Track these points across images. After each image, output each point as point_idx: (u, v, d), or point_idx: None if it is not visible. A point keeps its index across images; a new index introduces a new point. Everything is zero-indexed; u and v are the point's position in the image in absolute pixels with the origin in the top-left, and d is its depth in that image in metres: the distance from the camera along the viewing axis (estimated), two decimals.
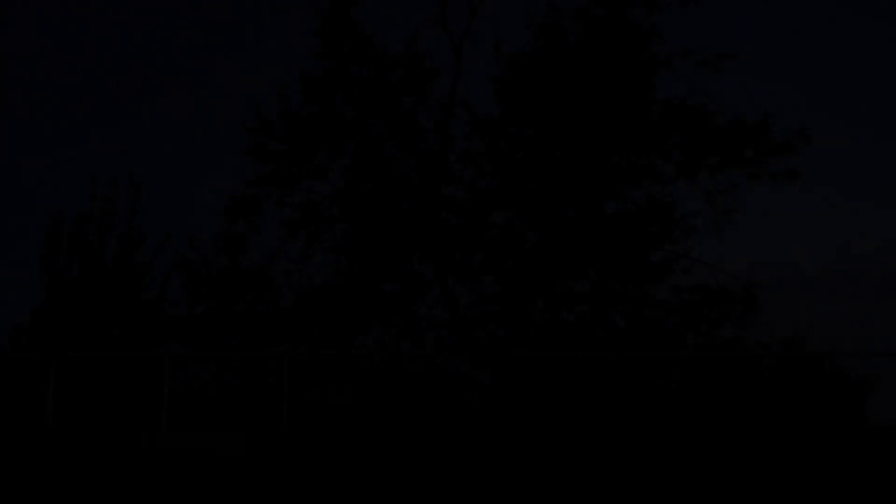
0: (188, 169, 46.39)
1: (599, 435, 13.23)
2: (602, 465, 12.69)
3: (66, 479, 12.42)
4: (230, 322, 21.62)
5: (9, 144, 44.61)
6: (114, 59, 48.72)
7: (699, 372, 17.46)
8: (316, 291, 22.14)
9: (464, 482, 12.27)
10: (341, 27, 21.61)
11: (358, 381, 18.67)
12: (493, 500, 11.36)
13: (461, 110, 22.18)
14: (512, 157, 21.64)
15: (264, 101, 22.23)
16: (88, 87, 48.12)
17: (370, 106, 22.38)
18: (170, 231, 21.63)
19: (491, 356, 20.13)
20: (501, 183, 20.93)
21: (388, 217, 20.97)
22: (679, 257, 21.11)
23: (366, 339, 22.00)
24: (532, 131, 21.66)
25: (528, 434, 14.39)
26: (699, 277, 20.89)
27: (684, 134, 20.77)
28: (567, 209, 20.36)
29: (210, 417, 19.33)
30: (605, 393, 16.37)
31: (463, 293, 21.83)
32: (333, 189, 21.52)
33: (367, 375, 18.95)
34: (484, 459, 13.44)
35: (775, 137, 20.57)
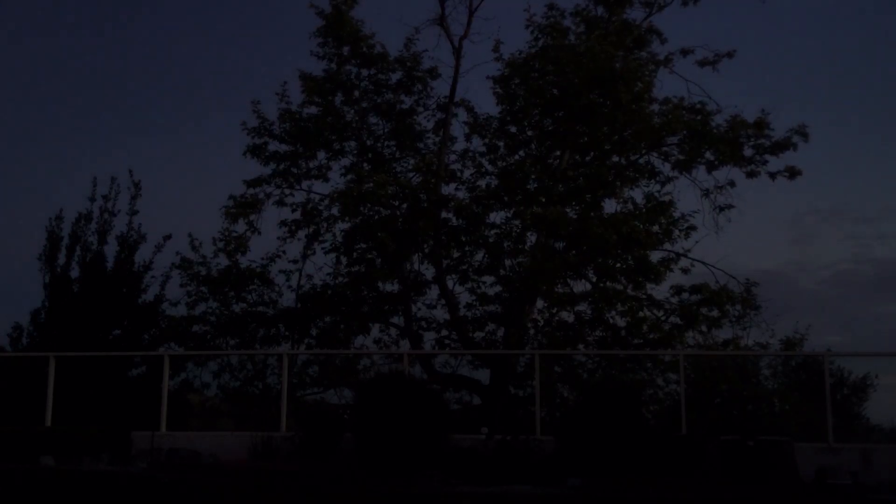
0: (188, 169, 46.59)
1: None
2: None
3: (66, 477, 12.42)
4: (230, 322, 21.61)
5: (9, 144, 44.72)
6: (114, 58, 48.84)
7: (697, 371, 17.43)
8: (316, 291, 22.14)
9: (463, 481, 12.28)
10: (341, 27, 21.58)
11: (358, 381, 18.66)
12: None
13: (461, 110, 22.22)
14: (512, 157, 21.63)
15: (264, 101, 22.35)
16: (89, 87, 48.24)
17: (370, 106, 22.39)
18: (170, 231, 21.68)
19: (491, 356, 20.11)
20: (501, 183, 20.88)
21: (388, 217, 20.94)
22: (679, 257, 21.07)
23: (366, 338, 22.03)
24: (532, 131, 21.65)
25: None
26: (699, 277, 20.88)
27: (683, 132, 20.70)
28: (567, 209, 20.29)
29: (210, 417, 19.34)
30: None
31: (463, 293, 21.85)
32: (334, 189, 21.50)
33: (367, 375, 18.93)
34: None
35: (774, 135, 20.52)
